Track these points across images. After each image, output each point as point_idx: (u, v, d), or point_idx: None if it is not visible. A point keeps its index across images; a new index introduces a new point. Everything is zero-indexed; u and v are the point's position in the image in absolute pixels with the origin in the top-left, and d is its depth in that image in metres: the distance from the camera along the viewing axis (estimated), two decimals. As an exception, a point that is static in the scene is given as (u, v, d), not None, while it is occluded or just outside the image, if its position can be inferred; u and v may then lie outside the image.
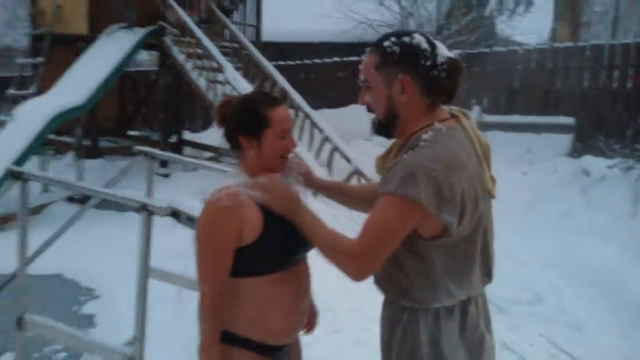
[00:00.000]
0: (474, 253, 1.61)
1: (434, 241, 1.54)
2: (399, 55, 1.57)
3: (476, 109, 9.32)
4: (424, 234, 1.54)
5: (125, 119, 12.30)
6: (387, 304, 1.73)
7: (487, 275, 1.71)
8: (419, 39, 1.59)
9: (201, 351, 1.68)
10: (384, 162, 1.80)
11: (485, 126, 9.19)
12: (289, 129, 1.76)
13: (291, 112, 8.02)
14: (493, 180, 1.68)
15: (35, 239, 6.19)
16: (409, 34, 1.61)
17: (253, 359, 1.73)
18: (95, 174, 8.30)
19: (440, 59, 1.57)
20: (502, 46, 11.18)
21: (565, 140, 8.21)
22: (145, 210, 1.88)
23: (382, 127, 1.68)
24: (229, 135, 1.78)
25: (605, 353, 3.82)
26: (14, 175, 2.11)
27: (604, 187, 6.49)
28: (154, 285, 2.33)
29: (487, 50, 10.06)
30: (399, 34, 1.62)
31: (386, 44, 1.60)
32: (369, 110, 1.69)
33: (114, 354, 2.00)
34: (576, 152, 7.89)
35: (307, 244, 1.73)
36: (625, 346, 3.91)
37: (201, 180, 8.66)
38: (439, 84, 1.59)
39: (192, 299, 4.07)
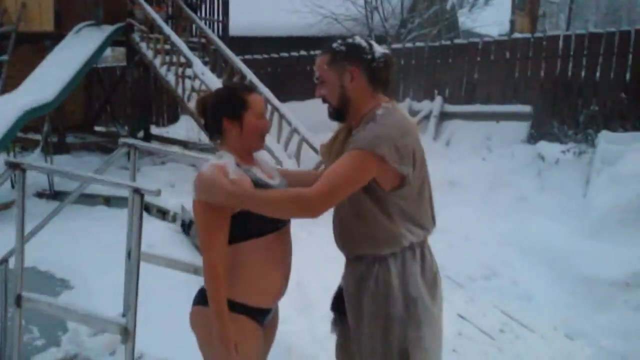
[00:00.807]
0: (423, 200, 2.03)
1: (394, 192, 1.93)
2: (346, 52, 1.98)
3: (439, 99, 9.62)
4: (387, 187, 1.92)
5: (92, 115, 12.32)
6: (355, 264, 2.05)
7: (433, 220, 2.11)
8: (359, 39, 2.02)
9: (213, 317, 1.86)
10: (330, 149, 2.15)
11: (447, 116, 9.52)
12: (264, 111, 2.03)
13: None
14: None
15: (8, 233, 6.28)
16: (351, 37, 2.05)
17: (248, 323, 1.95)
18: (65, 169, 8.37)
19: (377, 54, 1.99)
20: (464, 38, 11.50)
21: (522, 128, 8.54)
22: (138, 193, 2.08)
23: (337, 113, 2.04)
24: (212, 122, 2.02)
25: (552, 320, 4.13)
26: (12, 165, 2.27)
27: (557, 171, 6.83)
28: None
29: (448, 42, 10.36)
30: (343, 38, 2.04)
31: (334, 45, 2.01)
32: (324, 101, 2.06)
33: (109, 325, 2.20)
34: (532, 138, 8.22)
35: None
36: (570, 314, 4.21)
37: (169, 174, 8.80)
38: (379, 73, 2.00)
39: (180, 282, 4.29)
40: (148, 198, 7.09)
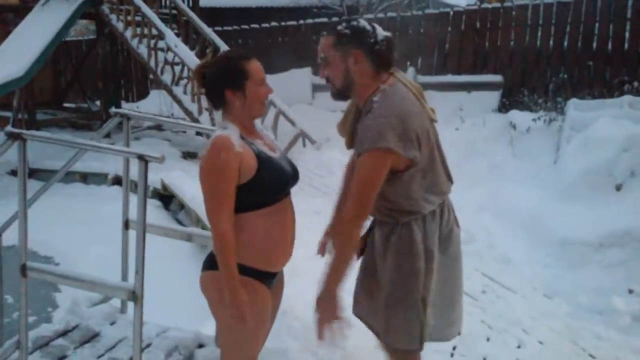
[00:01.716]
0: (437, 167, 2.15)
1: (408, 170, 2.05)
2: (350, 35, 2.05)
3: (411, 70, 9.71)
4: (400, 168, 2.04)
5: (60, 91, 12.06)
6: (379, 226, 2.24)
7: (450, 179, 2.26)
8: (363, 22, 2.08)
9: (225, 282, 1.93)
10: (344, 125, 2.29)
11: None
12: (264, 77, 2.05)
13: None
14: (432, 110, 2.21)
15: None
16: (356, 19, 2.11)
17: (255, 286, 2.03)
18: (37, 147, 8.23)
19: (380, 37, 2.06)
20: (434, 8, 11.54)
21: (493, 97, 8.71)
22: (142, 159, 2.10)
23: (340, 93, 2.14)
24: (214, 93, 2.04)
25: (531, 280, 4.32)
26: (12, 136, 2.27)
27: (529, 139, 7.01)
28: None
29: (420, 12, 10.41)
30: (348, 20, 2.11)
31: (339, 27, 2.07)
32: (328, 81, 2.14)
33: (117, 290, 2.24)
34: (504, 107, 8.40)
35: (293, 180, 2.13)
36: (547, 274, 4.41)
37: (146, 149, 8.66)
38: (382, 55, 2.06)
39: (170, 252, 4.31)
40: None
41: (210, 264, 2.06)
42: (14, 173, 7.40)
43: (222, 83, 2.00)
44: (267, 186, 1.98)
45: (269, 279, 2.11)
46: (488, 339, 3.50)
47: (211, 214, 1.95)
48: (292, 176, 2.12)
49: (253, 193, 1.97)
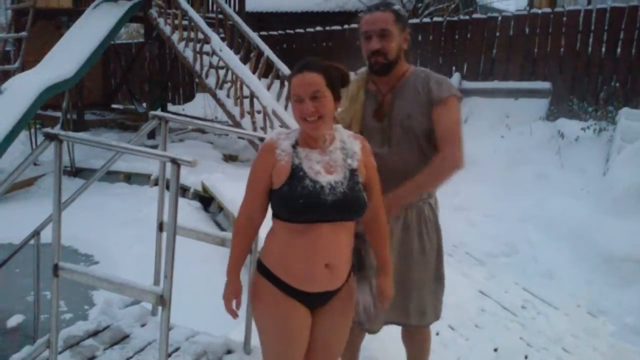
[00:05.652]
0: None
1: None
2: (404, 17, 2.30)
3: (456, 76, 9.53)
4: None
5: (109, 92, 12.35)
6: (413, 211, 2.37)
7: None
8: None
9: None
10: (351, 111, 2.36)
11: (465, 93, 9.42)
12: (301, 94, 1.84)
13: (277, 82, 8.02)
14: None
15: (30, 208, 6.34)
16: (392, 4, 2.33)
17: (276, 294, 1.94)
18: (83, 147, 8.45)
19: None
20: (481, 13, 11.32)
21: (541, 105, 8.45)
22: (175, 163, 2.09)
23: (390, 65, 2.28)
24: None
25: (574, 297, 4.15)
26: (50, 136, 2.29)
27: (577, 149, 6.78)
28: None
29: (467, 17, 10.22)
30: (386, 4, 2.29)
31: (396, 7, 2.29)
32: (377, 54, 2.26)
33: (145, 293, 2.24)
34: (552, 115, 8.14)
35: (336, 212, 1.88)
36: (591, 290, 4.23)
37: (188, 151, 8.84)
38: (409, 42, 2.35)
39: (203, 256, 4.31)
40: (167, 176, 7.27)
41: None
42: (64, 172, 7.59)
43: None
44: (286, 202, 1.87)
45: (301, 295, 1.96)
46: (526, 357, 3.36)
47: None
48: (332, 206, 1.86)
49: (275, 203, 1.92)
